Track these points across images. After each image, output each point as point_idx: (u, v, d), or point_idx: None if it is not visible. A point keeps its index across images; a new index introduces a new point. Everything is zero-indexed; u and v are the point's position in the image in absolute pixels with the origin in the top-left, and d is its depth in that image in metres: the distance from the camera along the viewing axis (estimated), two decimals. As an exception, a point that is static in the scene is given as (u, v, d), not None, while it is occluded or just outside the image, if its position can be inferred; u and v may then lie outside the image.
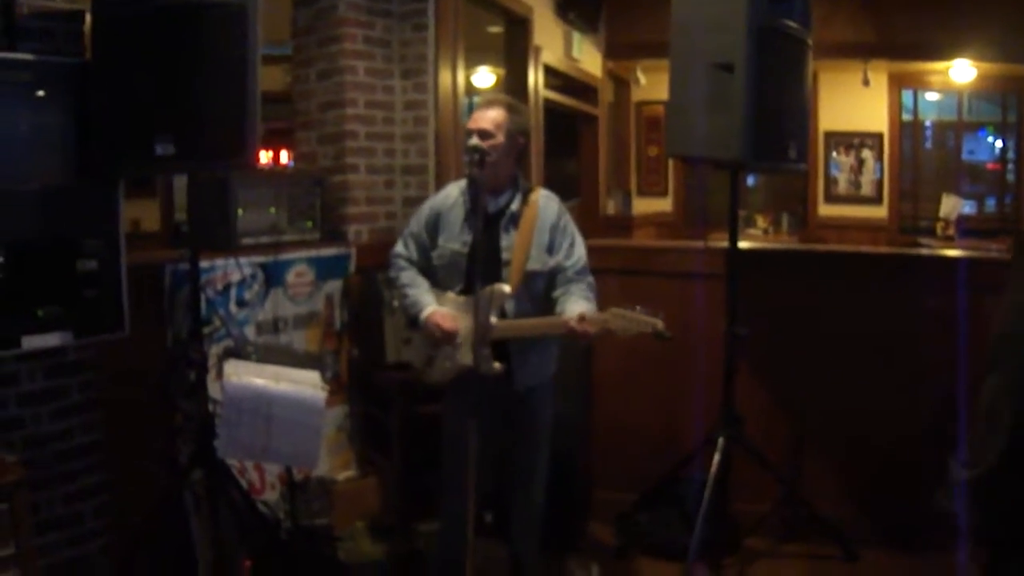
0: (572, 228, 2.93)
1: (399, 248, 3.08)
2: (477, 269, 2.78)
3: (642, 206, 9.08)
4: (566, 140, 7.93)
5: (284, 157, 5.64)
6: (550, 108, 6.33)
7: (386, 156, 4.52)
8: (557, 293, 2.91)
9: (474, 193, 2.83)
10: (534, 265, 2.86)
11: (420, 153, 4.52)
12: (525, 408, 2.92)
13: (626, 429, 4.20)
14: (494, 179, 2.84)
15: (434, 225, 2.97)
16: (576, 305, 2.82)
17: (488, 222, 2.83)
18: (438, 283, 3.01)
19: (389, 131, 4.51)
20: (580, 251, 2.94)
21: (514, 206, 2.86)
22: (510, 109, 2.90)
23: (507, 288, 2.82)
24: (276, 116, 5.22)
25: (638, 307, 2.83)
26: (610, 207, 8.34)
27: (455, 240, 2.93)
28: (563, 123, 7.47)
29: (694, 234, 8.40)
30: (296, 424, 3.02)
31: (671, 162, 8.90)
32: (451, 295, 2.96)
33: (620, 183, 8.95)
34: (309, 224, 4.14)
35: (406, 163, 4.53)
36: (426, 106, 4.47)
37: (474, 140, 2.85)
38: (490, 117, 2.87)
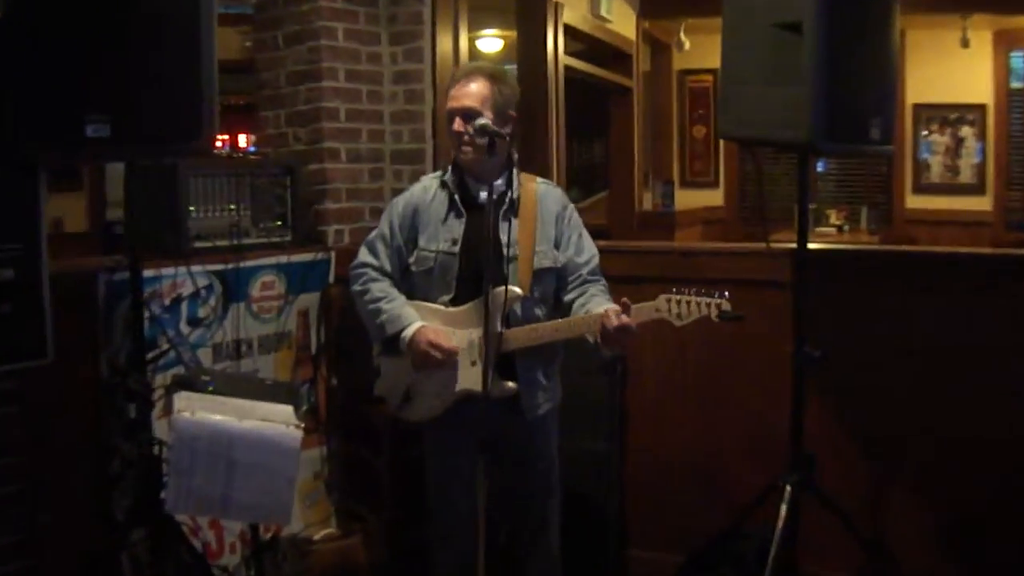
0: (579, 220, 3.02)
1: (364, 257, 3.13)
2: (484, 265, 2.79)
3: (687, 199, 9.07)
4: (592, 119, 8.01)
5: (243, 141, 5.48)
6: (572, 79, 6.25)
7: (372, 140, 4.54)
8: (571, 296, 3.00)
9: (459, 178, 2.95)
10: (544, 261, 2.94)
11: (414, 136, 4.54)
12: (533, 441, 2.99)
13: (667, 471, 4.21)
14: (487, 164, 2.95)
15: (411, 225, 3.03)
16: (603, 305, 2.90)
17: (481, 213, 2.90)
18: (416, 296, 3.07)
19: (376, 109, 4.55)
20: (592, 248, 3.06)
21: (513, 192, 2.95)
22: (494, 79, 2.94)
23: (518, 289, 2.88)
24: (234, 90, 5.36)
25: (692, 289, 2.88)
26: (647, 201, 8.43)
27: (440, 239, 2.97)
28: (588, 98, 7.43)
29: (752, 233, 8.42)
30: (263, 470, 2.97)
31: (723, 145, 9.09)
32: (436, 307, 3.01)
33: (660, 171, 9.00)
34: (278, 224, 4.16)
35: (397, 148, 4.55)
36: (421, 78, 4.48)
37: (457, 124, 2.94)
38: (473, 92, 2.93)
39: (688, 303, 2.82)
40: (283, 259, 4.13)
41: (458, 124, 2.94)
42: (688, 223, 8.67)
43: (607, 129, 7.93)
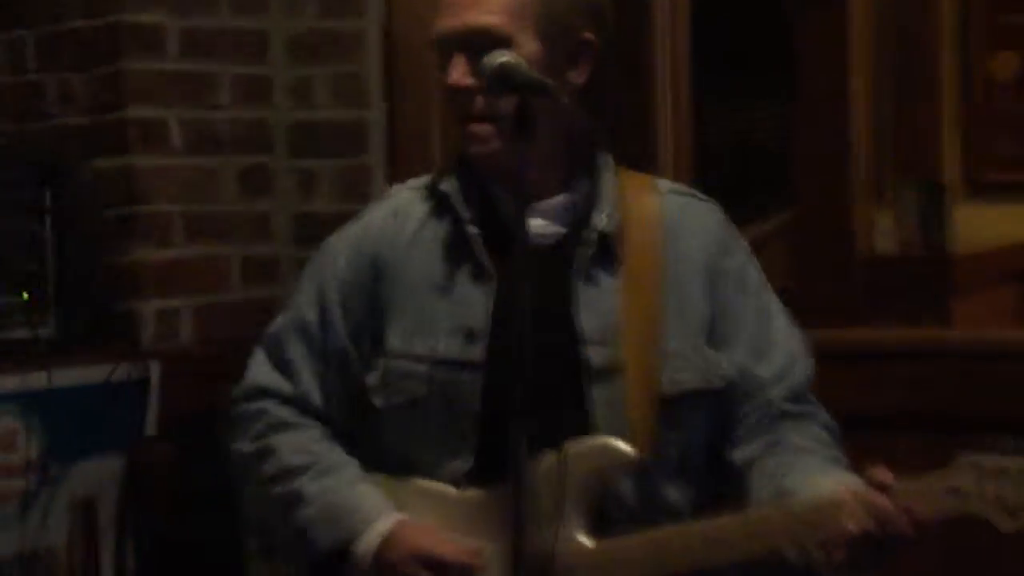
0: (760, 276, 2.46)
1: (260, 376, 2.46)
2: (540, 393, 2.13)
3: (981, 225, 7.64)
4: (756, 54, 6.61)
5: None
6: None
7: (244, 102, 3.89)
8: (749, 452, 2.34)
9: (475, 189, 2.34)
10: (683, 373, 2.36)
11: (343, 93, 3.89)
12: None
13: None
14: (546, 161, 2.30)
15: (369, 297, 2.41)
16: (830, 477, 2.28)
17: (537, 266, 2.26)
18: (386, 463, 2.43)
19: (249, 28, 3.87)
20: (793, 340, 2.42)
21: (606, 220, 2.36)
22: None
23: (625, 448, 2.31)
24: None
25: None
26: (884, 231, 6.25)
27: (439, 329, 2.35)
28: (745, 8, 6.66)
29: None
30: None
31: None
32: (433, 487, 2.39)
33: (913, 165, 7.53)
34: (20, 298, 3.61)
35: (302, 119, 3.93)
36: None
37: (457, 71, 2.20)
38: None
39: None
40: (34, 384, 3.53)
41: (458, 71, 2.20)
42: (986, 279, 6.31)
43: (787, 77, 6.03)
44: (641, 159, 4.29)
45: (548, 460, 2.27)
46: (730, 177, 7.55)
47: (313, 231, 3.73)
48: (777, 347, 2.43)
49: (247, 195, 3.94)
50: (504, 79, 2.11)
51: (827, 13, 5.48)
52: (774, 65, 6.45)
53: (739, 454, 2.37)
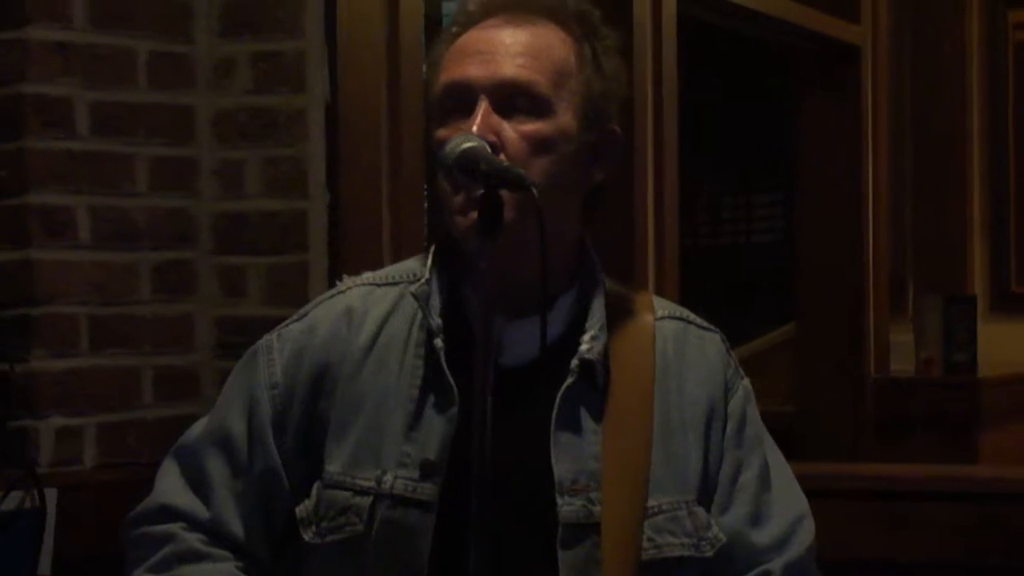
0: (761, 428, 2.48)
1: (170, 493, 2.47)
2: (505, 541, 2.23)
3: (1012, 346, 7.69)
4: (751, 132, 7.27)
5: None
6: (707, 31, 5.87)
7: (161, 187, 3.82)
8: None
9: (451, 289, 2.36)
10: (668, 536, 2.35)
11: (275, 182, 3.82)
12: None
13: None
14: (525, 268, 2.27)
15: (310, 412, 2.38)
16: None
17: (506, 394, 2.24)
18: None
19: (174, 104, 3.87)
20: (798, 504, 2.44)
21: (590, 345, 2.36)
22: (583, 23, 2.34)
23: None
24: None
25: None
26: (900, 352, 7.06)
27: (389, 456, 2.34)
28: (741, 78, 7.25)
29: None
30: None
31: None
32: None
33: (937, 274, 7.68)
34: None
35: (229, 208, 3.87)
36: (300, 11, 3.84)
37: (482, 125, 2.23)
38: (524, 45, 2.31)
39: None
40: None
41: (483, 121, 2.21)
42: (1019, 408, 6.75)
43: (789, 161, 6.60)
44: (617, 259, 4.56)
45: None
46: (719, 284, 7.71)
47: (240, 340, 3.60)
48: (776, 510, 2.39)
49: (164, 296, 3.79)
50: (469, 165, 2.06)
51: (838, 77, 6.13)
52: (773, 145, 6.86)
53: None
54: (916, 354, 7.02)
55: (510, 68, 2.24)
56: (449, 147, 2.11)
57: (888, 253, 6.95)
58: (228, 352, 3.70)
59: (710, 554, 2.30)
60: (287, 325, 2.43)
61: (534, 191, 2.06)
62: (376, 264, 3.35)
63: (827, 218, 6.45)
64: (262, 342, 2.43)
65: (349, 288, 2.42)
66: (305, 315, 2.40)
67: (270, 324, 3.73)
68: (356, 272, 2.80)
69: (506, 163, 2.14)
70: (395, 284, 2.37)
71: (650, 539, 2.27)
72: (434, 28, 4.85)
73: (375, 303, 2.37)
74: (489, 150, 2.13)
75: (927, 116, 7.72)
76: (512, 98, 2.21)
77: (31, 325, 3.56)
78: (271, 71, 3.81)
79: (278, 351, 2.39)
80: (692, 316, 2.44)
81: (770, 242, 7.87)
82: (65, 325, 3.59)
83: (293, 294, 3.69)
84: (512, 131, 2.20)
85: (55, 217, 3.68)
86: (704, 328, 2.43)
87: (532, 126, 2.21)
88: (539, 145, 2.21)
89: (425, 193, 3.76)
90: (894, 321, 6.99)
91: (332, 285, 3.33)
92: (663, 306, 2.42)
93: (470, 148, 2.08)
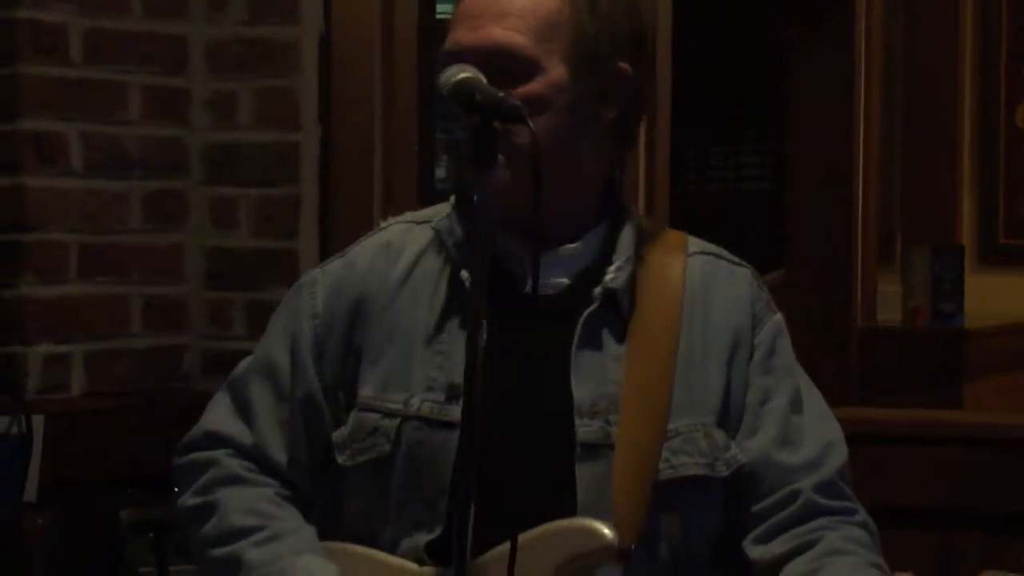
0: (791, 353, 2.47)
1: (216, 421, 2.50)
2: (517, 459, 2.30)
3: (999, 296, 7.64)
4: (744, 86, 7.26)
5: None
6: None
7: (148, 116, 3.81)
8: (774, 552, 2.34)
9: (479, 239, 2.28)
10: (685, 456, 2.36)
11: (268, 114, 3.83)
12: None
13: None
14: (549, 202, 2.26)
15: (347, 341, 2.45)
16: None
17: (527, 320, 2.34)
18: (346, 529, 2.45)
19: (162, 33, 3.82)
20: (830, 428, 2.43)
21: (615, 275, 2.39)
22: None
23: (604, 532, 2.26)
24: None
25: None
26: (889, 299, 6.98)
27: (417, 380, 2.40)
28: (734, 36, 7.26)
29: None
30: None
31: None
32: (389, 562, 2.39)
33: (925, 224, 7.62)
34: None
35: (220, 139, 3.88)
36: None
37: (459, 75, 2.23)
38: (510, 3, 2.34)
39: None
40: None
41: (460, 75, 2.27)
42: (1004, 359, 7.29)
43: (780, 110, 6.58)
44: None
45: (536, 536, 2.23)
46: (710, 225, 7.70)
47: (229, 270, 3.76)
48: (807, 434, 2.39)
49: (155, 225, 3.85)
50: (464, 98, 2.11)
51: (827, 29, 6.09)
52: (765, 95, 6.85)
53: (760, 552, 2.34)
54: (903, 304, 6.94)
55: (494, 32, 2.28)
56: (444, 77, 2.14)
57: (877, 203, 6.93)
58: (217, 283, 3.79)
59: (725, 473, 2.32)
60: (331, 261, 2.50)
61: (529, 123, 2.09)
62: (366, 198, 3.41)
63: (816, 167, 6.37)
64: (306, 277, 2.49)
65: (390, 225, 2.48)
66: (346, 253, 2.46)
67: (260, 256, 3.76)
68: (347, 204, 3.46)
69: (501, 94, 2.15)
70: (431, 223, 2.44)
71: (666, 459, 2.29)
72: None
73: (412, 240, 2.44)
74: (484, 80, 2.16)
75: (917, 67, 7.78)
76: (499, 61, 2.25)
77: (21, 251, 3.60)
78: (265, 2, 3.84)
79: (320, 284, 2.45)
80: (725, 253, 2.46)
81: (759, 191, 7.89)
82: (55, 252, 3.64)
83: (284, 226, 3.76)
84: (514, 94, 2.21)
85: (47, 144, 3.72)
86: (736, 263, 2.45)
87: (522, 88, 2.23)
88: (532, 105, 2.23)
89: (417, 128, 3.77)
90: (882, 271, 6.90)
91: (323, 218, 3.60)
92: (697, 244, 2.43)
93: (465, 79, 2.13)
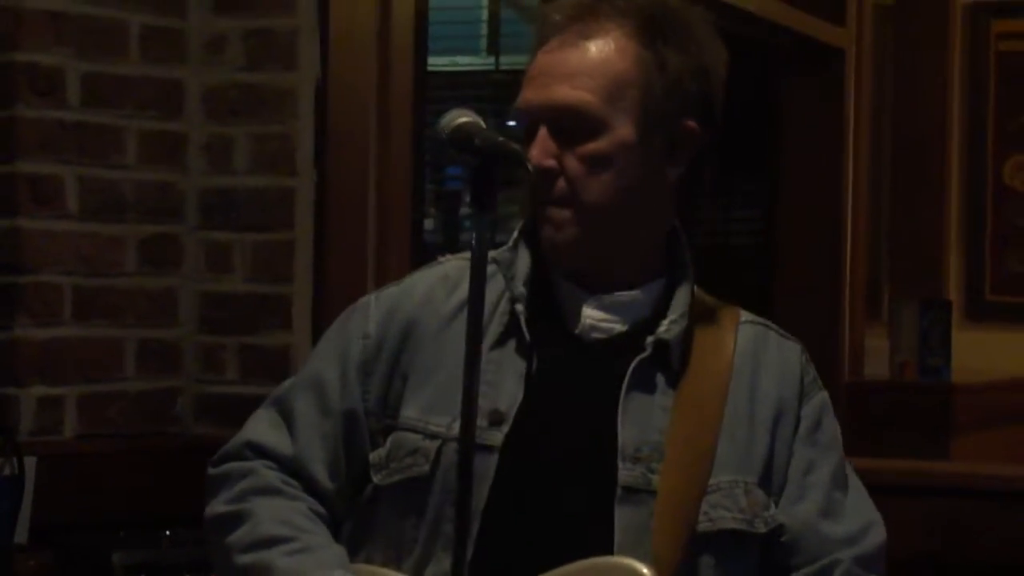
0: (837, 437, 2.45)
1: (258, 432, 2.49)
2: (561, 489, 2.33)
3: (991, 352, 7.73)
4: (735, 134, 6.78)
5: None
6: None
7: (152, 161, 3.85)
8: None
9: (534, 272, 2.39)
10: (723, 511, 2.34)
11: (264, 158, 3.86)
12: None
13: None
14: (609, 251, 2.38)
15: (395, 363, 2.45)
16: None
17: (578, 358, 2.38)
18: (375, 549, 2.43)
19: (162, 78, 3.87)
20: (867, 503, 2.44)
21: (668, 327, 2.39)
22: (654, 21, 2.32)
23: (645, 571, 2.25)
24: None
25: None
26: (876, 354, 6.96)
27: (458, 403, 2.35)
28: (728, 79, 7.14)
29: None
30: None
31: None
32: None
33: (914, 280, 7.63)
34: None
35: (216, 184, 3.90)
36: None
37: (538, 148, 2.27)
38: (579, 64, 2.32)
39: None
40: None
41: (541, 149, 2.26)
42: (991, 414, 6.77)
43: (768, 163, 6.68)
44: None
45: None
46: (706, 280, 7.66)
47: (223, 314, 3.78)
48: (849, 509, 2.39)
49: (150, 269, 3.86)
50: (463, 142, 2.08)
51: (821, 78, 6.30)
52: (752, 146, 6.70)
53: None
54: (891, 358, 7.07)
55: (562, 91, 2.30)
56: (443, 122, 2.12)
57: (865, 258, 7.04)
58: (211, 327, 3.80)
59: (763, 530, 2.31)
60: (385, 288, 2.51)
61: (529, 166, 2.13)
62: (361, 243, 3.42)
63: (806, 221, 6.59)
64: (361, 300, 2.51)
65: (449, 260, 2.49)
66: (403, 281, 2.48)
67: (254, 300, 3.78)
68: (342, 249, 3.36)
69: (501, 138, 2.12)
70: (490, 261, 2.39)
71: (705, 512, 2.29)
72: (423, 9, 4.90)
73: (467, 269, 2.35)
74: (483, 125, 2.12)
75: (907, 122, 7.77)
76: (566, 121, 2.28)
77: (16, 293, 3.63)
78: (263, 48, 3.90)
79: (375, 307, 2.46)
80: (773, 325, 2.47)
81: (748, 244, 7.75)
82: (50, 295, 3.66)
83: (278, 271, 3.78)
84: (570, 154, 2.26)
85: (43, 186, 3.72)
86: (784, 336, 2.46)
87: (588, 147, 2.26)
88: (597, 163, 2.27)
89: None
90: (870, 325, 7.04)
91: (317, 263, 3.66)
92: (748, 314, 2.44)
93: (463, 123, 2.10)
